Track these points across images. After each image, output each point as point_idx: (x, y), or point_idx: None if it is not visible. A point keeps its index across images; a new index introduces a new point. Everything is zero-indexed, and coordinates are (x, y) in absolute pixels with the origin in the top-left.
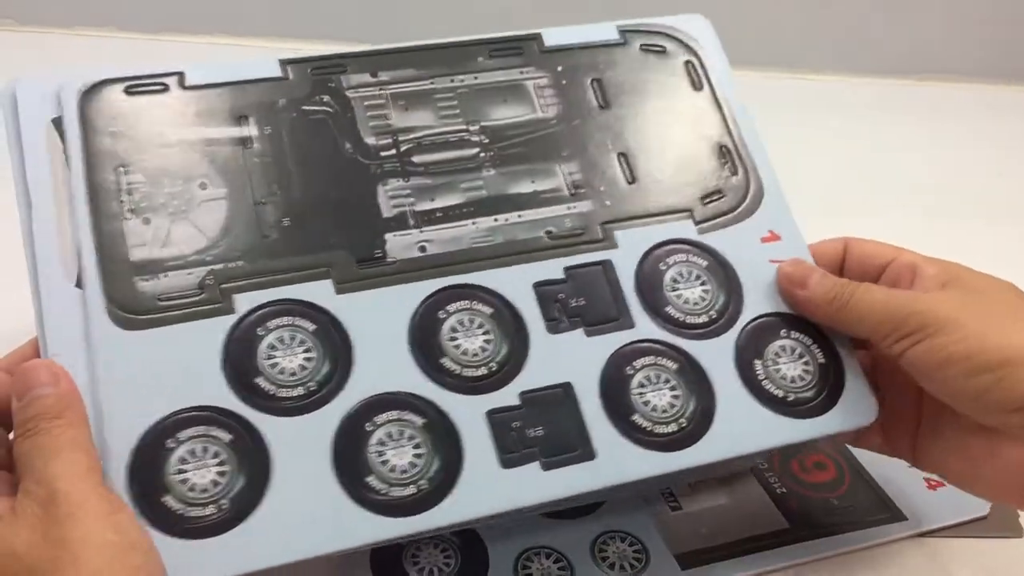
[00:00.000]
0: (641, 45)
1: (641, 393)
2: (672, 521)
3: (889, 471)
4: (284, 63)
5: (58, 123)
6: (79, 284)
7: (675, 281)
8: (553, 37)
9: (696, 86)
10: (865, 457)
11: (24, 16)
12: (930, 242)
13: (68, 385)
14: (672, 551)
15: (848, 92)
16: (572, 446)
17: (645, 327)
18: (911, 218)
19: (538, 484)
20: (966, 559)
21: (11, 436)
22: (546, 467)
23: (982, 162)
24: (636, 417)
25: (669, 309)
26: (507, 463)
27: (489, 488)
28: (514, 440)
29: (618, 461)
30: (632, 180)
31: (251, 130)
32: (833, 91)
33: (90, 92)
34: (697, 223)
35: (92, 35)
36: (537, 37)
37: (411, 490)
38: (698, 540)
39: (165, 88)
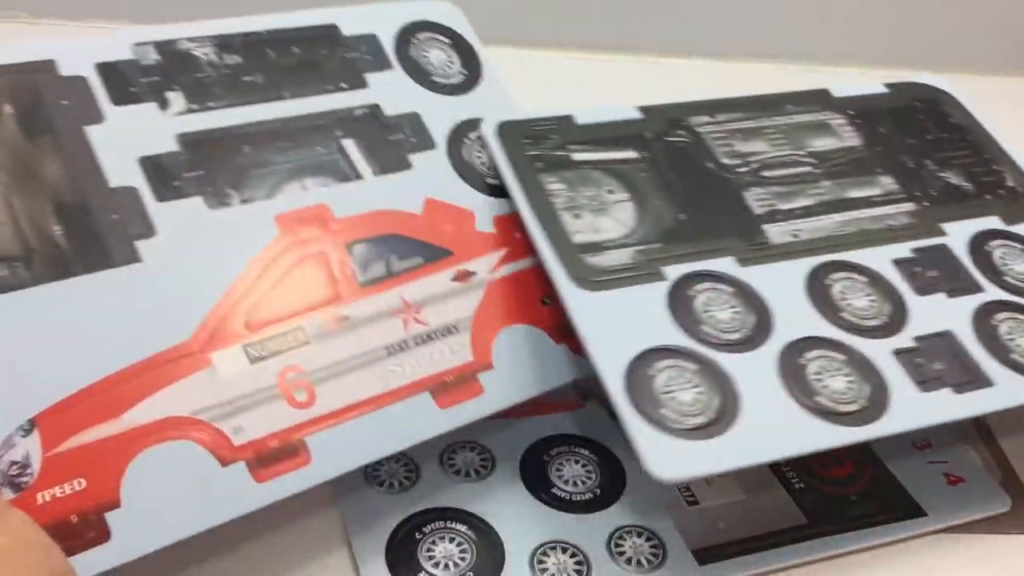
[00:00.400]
0: (908, 95)
1: (1011, 339)
2: (689, 516)
3: (908, 467)
4: (641, 109)
5: None
6: None
7: (1003, 258)
8: (838, 91)
9: (960, 123)
10: (884, 453)
11: (36, 8)
12: None
13: None
14: (689, 546)
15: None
16: (972, 377)
17: (993, 292)
18: None
19: (953, 404)
20: (987, 555)
21: None
22: (956, 391)
23: None
24: (1013, 356)
25: (1007, 278)
26: (923, 388)
27: (916, 406)
28: (922, 371)
29: (1013, 388)
30: (937, 190)
31: (632, 154)
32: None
33: (502, 129)
34: (1004, 220)
35: (104, 27)
36: (826, 91)
37: (855, 407)
38: (716, 535)
39: (559, 127)
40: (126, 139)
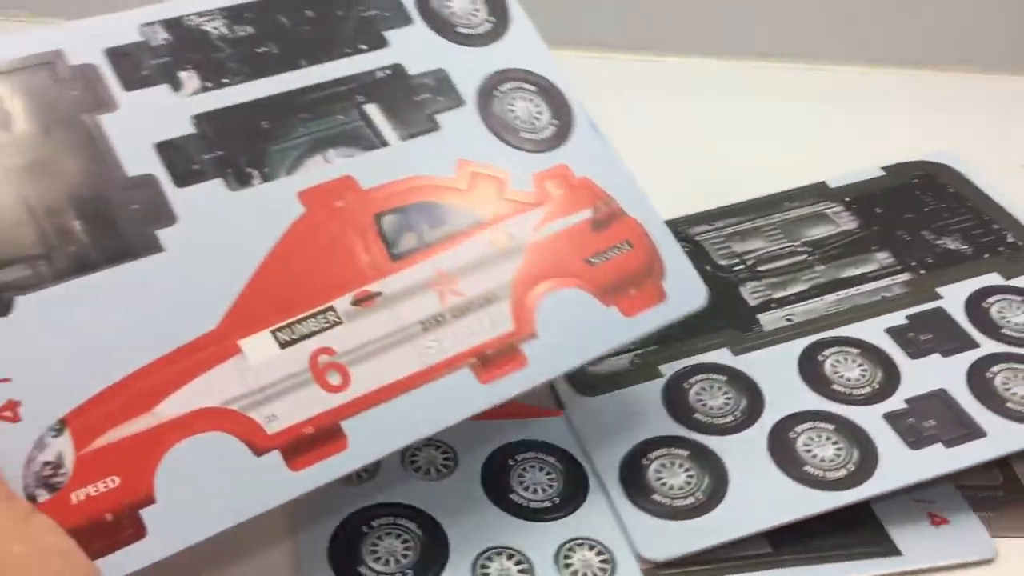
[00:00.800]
0: (906, 174)
1: (1007, 388)
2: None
3: (890, 502)
4: None
5: None
6: None
7: (1001, 312)
8: (834, 182)
9: (958, 191)
10: None
11: (35, 6)
12: None
13: None
14: (640, 564)
15: (865, 83)
16: (964, 431)
17: (990, 345)
18: None
19: (943, 458)
20: None
21: None
22: (947, 445)
23: (1002, 153)
24: (1009, 404)
25: (1005, 331)
26: (913, 445)
27: (906, 466)
28: (913, 431)
29: (1007, 436)
30: (933, 257)
31: None
32: (850, 82)
33: None
34: (1003, 275)
35: None
36: (823, 183)
37: (843, 472)
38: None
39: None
40: (140, 125)
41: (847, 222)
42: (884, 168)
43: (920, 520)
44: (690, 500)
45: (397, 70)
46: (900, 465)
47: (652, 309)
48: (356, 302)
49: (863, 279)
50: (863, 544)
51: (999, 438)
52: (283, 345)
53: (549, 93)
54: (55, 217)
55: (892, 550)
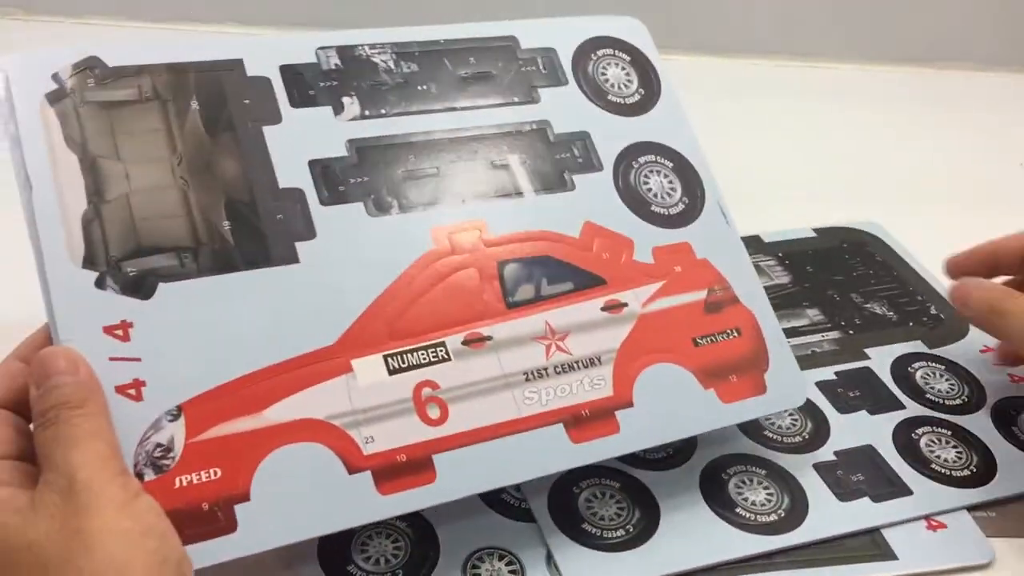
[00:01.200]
0: (835, 238)
1: (931, 450)
2: None
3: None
4: None
5: (52, 97)
6: (87, 265)
7: (925, 379)
8: (768, 237)
9: (886, 260)
10: None
11: (32, 5)
12: (947, 234)
13: (87, 372)
14: None
15: (866, 81)
16: (891, 488)
17: (913, 408)
18: (929, 208)
19: (871, 513)
20: None
21: (32, 426)
22: (875, 500)
23: (1001, 151)
24: (934, 466)
25: (928, 396)
26: (842, 497)
27: (833, 516)
28: (842, 482)
29: (933, 496)
30: (862, 319)
31: None
32: (850, 80)
33: None
34: (927, 345)
35: (102, 24)
36: (758, 237)
37: (773, 517)
38: None
39: None
40: (299, 141)
41: (780, 276)
42: (815, 229)
43: (916, 524)
44: (620, 532)
45: (544, 126)
46: (829, 515)
47: (750, 400)
48: (467, 342)
49: (795, 332)
50: (859, 548)
51: (925, 498)
52: (392, 371)
53: (684, 172)
54: (207, 215)
55: (888, 554)
